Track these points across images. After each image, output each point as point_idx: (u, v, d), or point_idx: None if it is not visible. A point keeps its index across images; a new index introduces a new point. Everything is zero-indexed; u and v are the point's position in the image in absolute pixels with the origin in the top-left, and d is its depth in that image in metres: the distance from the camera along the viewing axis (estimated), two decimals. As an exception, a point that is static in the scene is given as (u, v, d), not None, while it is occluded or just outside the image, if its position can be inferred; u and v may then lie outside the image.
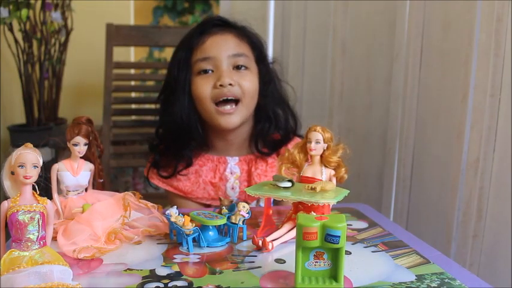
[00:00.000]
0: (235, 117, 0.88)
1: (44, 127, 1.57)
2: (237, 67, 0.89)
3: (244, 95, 0.88)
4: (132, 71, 1.63)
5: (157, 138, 0.96)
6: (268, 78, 0.94)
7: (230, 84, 0.86)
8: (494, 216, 0.82)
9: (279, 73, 0.99)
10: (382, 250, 0.62)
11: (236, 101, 0.87)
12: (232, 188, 0.93)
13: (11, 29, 1.46)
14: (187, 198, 0.94)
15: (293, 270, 0.50)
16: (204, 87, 0.87)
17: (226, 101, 0.87)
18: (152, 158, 0.96)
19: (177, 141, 0.91)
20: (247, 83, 0.88)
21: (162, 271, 0.54)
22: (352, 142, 1.23)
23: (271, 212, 0.68)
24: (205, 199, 0.93)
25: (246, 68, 0.89)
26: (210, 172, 0.93)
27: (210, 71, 0.88)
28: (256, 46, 0.94)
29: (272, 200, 0.69)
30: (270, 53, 1.42)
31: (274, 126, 0.94)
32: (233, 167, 0.93)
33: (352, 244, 0.64)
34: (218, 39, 0.89)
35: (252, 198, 0.92)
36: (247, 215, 0.65)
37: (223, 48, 0.88)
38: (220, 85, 0.85)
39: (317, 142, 0.63)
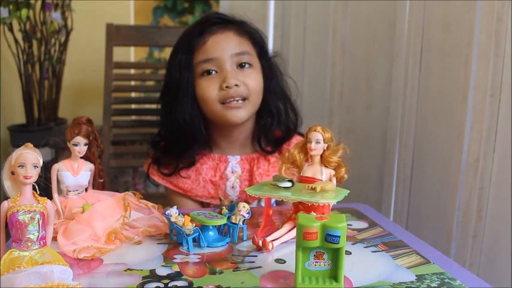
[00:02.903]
0: (243, 112, 0.87)
1: (44, 127, 1.57)
2: (241, 65, 0.88)
3: (250, 94, 0.87)
4: (132, 71, 1.63)
5: (159, 137, 0.95)
6: (270, 73, 0.93)
7: (236, 85, 0.85)
8: (494, 216, 0.82)
9: (280, 66, 0.97)
10: (382, 250, 0.62)
11: (243, 99, 0.87)
12: (233, 187, 0.92)
13: (11, 29, 1.46)
14: (187, 197, 0.94)
15: (293, 270, 0.50)
16: (209, 89, 0.86)
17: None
18: (153, 154, 0.96)
19: (180, 143, 0.90)
20: (253, 82, 0.87)
21: (162, 271, 0.54)
22: (352, 142, 1.23)
23: (271, 212, 0.68)
24: (205, 197, 0.93)
25: (250, 65, 0.89)
26: (211, 170, 0.93)
27: (213, 72, 0.87)
28: (257, 42, 0.93)
29: (275, 200, 0.69)
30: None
31: (277, 121, 0.93)
32: (234, 165, 0.93)
33: (352, 244, 0.64)
34: (219, 38, 0.88)
35: (253, 198, 0.91)
36: (248, 215, 0.65)
37: (225, 47, 0.87)
38: (227, 87, 0.85)
39: (317, 142, 0.64)
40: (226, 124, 0.89)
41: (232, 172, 0.93)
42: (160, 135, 0.95)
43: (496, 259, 0.82)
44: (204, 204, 0.96)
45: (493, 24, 0.80)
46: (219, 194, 0.92)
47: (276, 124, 0.94)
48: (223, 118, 0.87)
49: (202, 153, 0.93)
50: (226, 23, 0.91)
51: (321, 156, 0.65)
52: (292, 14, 1.56)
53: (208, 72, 0.87)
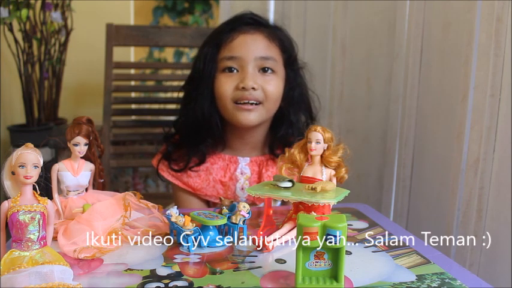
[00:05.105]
0: (254, 115, 0.86)
1: (44, 127, 1.57)
2: (263, 70, 0.87)
3: (266, 99, 0.86)
4: (132, 71, 1.63)
5: (175, 129, 0.95)
6: (295, 83, 0.92)
7: (253, 88, 0.84)
8: (494, 216, 0.82)
9: (307, 79, 0.96)
10: (382, 250, 0.62)
11: (258, 103, 0.86)
12: (242, 189, 0.92)
13: (11, 29, 1.46)
14: (195, 195, 0.94)
15: (293, 270, 0.50)
16: (226, 86, 0.86)
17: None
18: (164, 149, 0.95)
19: (195, 135, 0.90)
20: (271, 88, 0.86)
21: (163, 271, 0.54)
22: (352, 142, 1.23)
23: (271, 212, 0.68)
24: (214, 197, 0.93)
25: (273, 71, 0.88)
26: (221, 171, 0.93)
27: (234, 70, 0.87)
28: (287, 49, 0.92)
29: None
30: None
31: (297, 132, 0.93)
32: (244, 167, 0.93)
33: (352, 244, 0.64)
34: (248, 38, 0.87)
35: (261, 200, 0.91)
36: (248, 215, 0.65)
37: (251, 49, 0.86)
38: (243, 87, 0.84)
39: (317, 142, 0.64)
40: (237, 125, 0.89)
41: (242, 173, 0.92)
42: (176, 128, 0.95)
43: (496, 259, 0.82)
44: (210, 204, 0.96)
45: (493, 24, 0.80)
46: (228, 195, 0.92)
47: (296, 134, 0.93)
48: (234, 118, 0.87)
49: (213, 152, 0.93)
50: (259, 25, 0.90)
51: (321, 156, 0.65)
52: (292, 14, 1.56)
53: (230, 70, 0.87)
